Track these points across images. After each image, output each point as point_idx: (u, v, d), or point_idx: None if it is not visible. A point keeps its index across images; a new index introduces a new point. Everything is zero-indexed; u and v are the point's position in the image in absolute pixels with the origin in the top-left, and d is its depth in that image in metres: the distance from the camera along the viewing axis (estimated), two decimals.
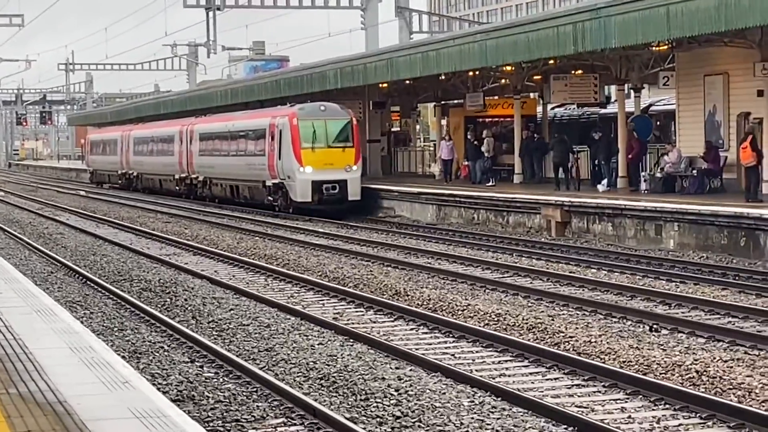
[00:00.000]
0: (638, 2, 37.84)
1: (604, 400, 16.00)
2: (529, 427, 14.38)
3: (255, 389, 16.85)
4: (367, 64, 57.53)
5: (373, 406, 15.67)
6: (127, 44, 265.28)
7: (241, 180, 55.34)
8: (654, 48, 40.31)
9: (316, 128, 46.89)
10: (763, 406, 15.06)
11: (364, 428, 14.10)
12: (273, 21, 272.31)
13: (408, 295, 26.22)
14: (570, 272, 29.89)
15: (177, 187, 66.98)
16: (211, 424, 14.58)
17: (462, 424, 14.55)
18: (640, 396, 16.13)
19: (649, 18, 36.27)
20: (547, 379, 17.62)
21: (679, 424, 14.58)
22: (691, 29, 34.77)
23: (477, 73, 50.27)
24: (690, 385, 16.36)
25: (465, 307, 24.25)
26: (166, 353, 19.94)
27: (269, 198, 50.18)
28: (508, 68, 47.54)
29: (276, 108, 54.70)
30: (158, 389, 13.79)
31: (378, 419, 14.90)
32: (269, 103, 66.93)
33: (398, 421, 14.83)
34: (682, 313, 23.07)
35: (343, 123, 47.92)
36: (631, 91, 48.16)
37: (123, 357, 16.90)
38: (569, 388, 16.86)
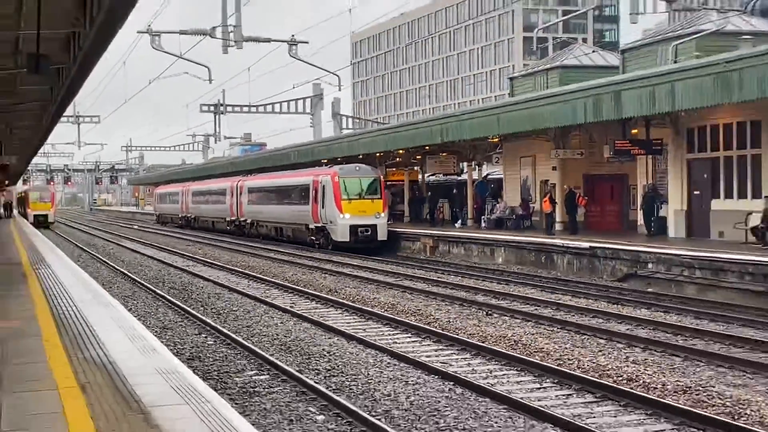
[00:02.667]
0: (480, 112, 38.38)
1: (444, 354, 15.88)
2: (406, 375, 14.23)
3: (239, 352, 16.62)
4: (314, 148, 57.61)
5: (313, 363, 15.48)
6: (165, 134, 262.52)
7: (285, 223, 49.07)
8: (490, 140, 40.55)
9: (353, 184, 40.99)
10: (557, 362, 15.00)
11: (307, 377, 13.89)
12: (256, 120, 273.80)
13: (337, 292, 25.99)
14: (437, 278, 29.76)
15: (227, 227, 61.57)
16: (209, 375, 14.34)
17: (368, 370, 14.40)
18: (480, 356, 16.02)
19: (486, 122, 36.68)
20: (411, 342, 17.51)
21: (505, 376, 14.49)
22: (511, 128, 35.20)
23: (381, 154, 50.07)
24: (511, 350, 16.27)
25: (373, 300, 24.08)
26: (183, 328, 19.69)
27: (311, 238, 44.05)
28: (401, 151, 47.53)
29: (315, 169, 48.59)
30: (176, 353, 13.52)
31: (315, 371, 14.74)
32: (232, 174, 67.87)
33: (328, 372, 14.70)
34: (507, 303, 22.98)
35: (373, 179, 41.85)
36: (476, 165, 48.30)
37: (154, 332, 16.60)
38: (436, 352, 16.72)
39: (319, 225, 42.28)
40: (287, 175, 51.43)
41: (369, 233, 39.91)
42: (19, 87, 25.46)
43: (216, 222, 65.78)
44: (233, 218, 59.85)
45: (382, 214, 40.75)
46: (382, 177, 43.25)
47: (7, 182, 77.04)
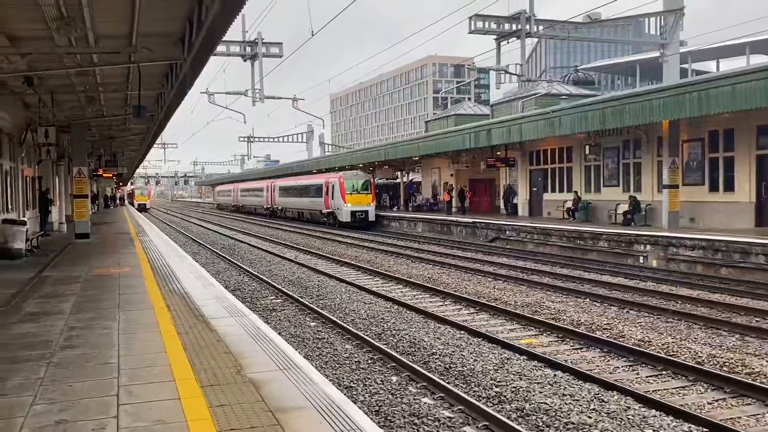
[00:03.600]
0: (407, 142, 38.16)
1: (387, 285, 15.89)
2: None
3: (264, 285, 16.48)
4: (308, 163, 56.87)
5: (308, 291, 15.39)
6: (217, 154, 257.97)
7: (306, 209, 45.11)
8: (414, 158, 40.38)
9: (353, 183, 37.62)
10: (453, 290, 15.06)
11: (304, 299, 13.84)
12: (273, 146, 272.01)
13: (322, 249, 25.82)
14: (382, 240, 29.70)
15: (264, 212, 57.75)
16: (246, 299, 14.23)
17: (341, 296, 14.36)
18: (408, 286, 16.05)
19: (411, 148, 36.47)
20: (367, 278, 17.55)
21: (423, 298, 14.52)
22: (426, 151, 35.02)
23: (349, 166, 49.24)
24: (426, 282, 16.29)
25: (344, 254, 23.97)
26: (229, 271, 19.44)
27: (324, 219, 40.60)
28: (361, 165, 46.94)
29: (326, 173, 44.40)
30: (225, 287, 13.40)
31: (309, 296, 14.65)
32: (259, 179, 66.16)
33: (318, 297, 14.60)
34: (424, 255, 22.89)
35: (366, 180, 38.40)
36: (406, 173, 48.04)
37: (212, 274, 16.46)
38: (382, 284, 16.69)
39: (330, 210, 39.29)
40: (304, 178, 48.50)
41: (363, 216, 37.09)
42: (128, 126, 25.12)
43: (256, 208, 62.56)
44: (268, 206, 56.97)
45: (372, 204, 37.83)
46: (372, 179, 40.21)
47: (121, 183, 76.08)
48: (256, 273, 18.52)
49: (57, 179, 28.80)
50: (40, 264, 14.17)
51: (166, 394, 5.23)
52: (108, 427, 4.62)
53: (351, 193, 37.48)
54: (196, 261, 16.94)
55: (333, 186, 38.63)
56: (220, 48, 29.34)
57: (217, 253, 25.06)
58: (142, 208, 74.94)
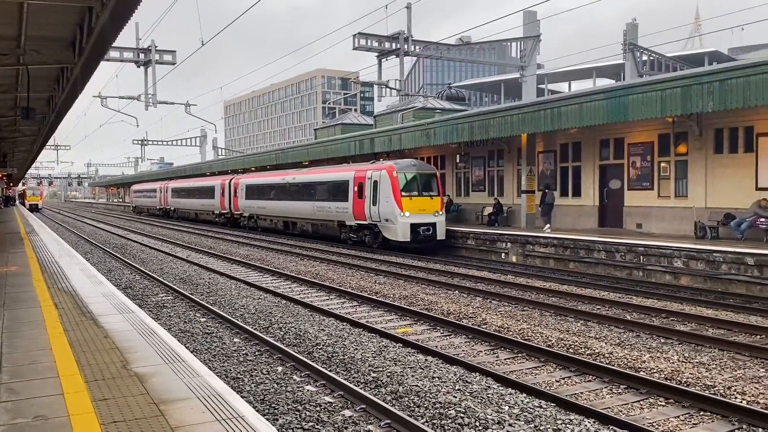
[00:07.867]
0: (297, 148, 37.60)
1: (276, 282, 15.66)
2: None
3: (155, 283, 15.68)
4: (202, 165, 54.97)
5: (199, 289, 14.90)
6: (111, 156, 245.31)
7: (310, 219, 27.65)
8: (304, 163, 39.74)
9: (412, 179, 22.10)
10: (338, 284, 15.06)
11: (195, 297, 13.38)
12: (167, 149, 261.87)
13: (213, 248, 25.04)
14: (264, 237, 29.17)
15: (215, 219, 40.54)
16: (136, 297, 13.59)
17: (231, 292, 14.02)
18: (297, 282, 15.85)
19: (300, 154, 35.74)
20: (257, 275, 17.14)
21: (309, 293, 14.39)
22: (315, 157, 34.68)
23: (242, 170, 48.33)
24: (312, 278, 16.16)
25: (235, 252, 23.31)
26: (121, 270, 18.39)
27: (351, 236, 24.39)
28: (253, 168, 45.91)
29: (356, 164, 25.90)
30: (116, 285, 12.75)
31: (200, 293, 14.19)
32: (158, 180, 59.26)
33: (208, 293, 14.16)
34: (310, 254, 22.62)
35: (432, 175, 22.75)
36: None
37: (102, 273, 15.63)
38: (271, 279, 16.38)
39: (366, 222, 23.42)
40: (305, 172, 29.96)
41: (430, 232, 22.00)
42: (18, 127, 23.43)
43: (199, 213, 44.52)
44: (224, 211, 39.00)
45: (441, 212, 22.43)
46: (438, 174, 23.58)
47: (12, 185, 70.99)
48: (148, 271, 17.68)
49: None
50: None
51: (49, 390, 4.91)
52: None
53: (410, 195, 22.26)
54: (87, 260, 15.98)
55: (376, 183, 22.90)
56: (114, 54, 27.95)
57: (108, 252, 23.60)
58: (33, 209, 70.16)
